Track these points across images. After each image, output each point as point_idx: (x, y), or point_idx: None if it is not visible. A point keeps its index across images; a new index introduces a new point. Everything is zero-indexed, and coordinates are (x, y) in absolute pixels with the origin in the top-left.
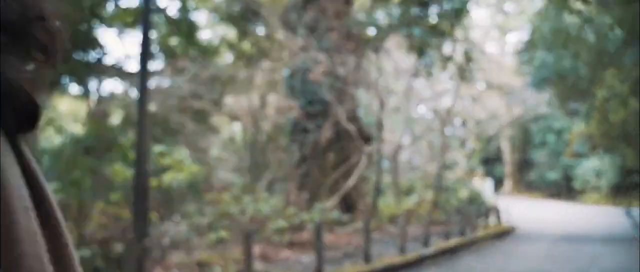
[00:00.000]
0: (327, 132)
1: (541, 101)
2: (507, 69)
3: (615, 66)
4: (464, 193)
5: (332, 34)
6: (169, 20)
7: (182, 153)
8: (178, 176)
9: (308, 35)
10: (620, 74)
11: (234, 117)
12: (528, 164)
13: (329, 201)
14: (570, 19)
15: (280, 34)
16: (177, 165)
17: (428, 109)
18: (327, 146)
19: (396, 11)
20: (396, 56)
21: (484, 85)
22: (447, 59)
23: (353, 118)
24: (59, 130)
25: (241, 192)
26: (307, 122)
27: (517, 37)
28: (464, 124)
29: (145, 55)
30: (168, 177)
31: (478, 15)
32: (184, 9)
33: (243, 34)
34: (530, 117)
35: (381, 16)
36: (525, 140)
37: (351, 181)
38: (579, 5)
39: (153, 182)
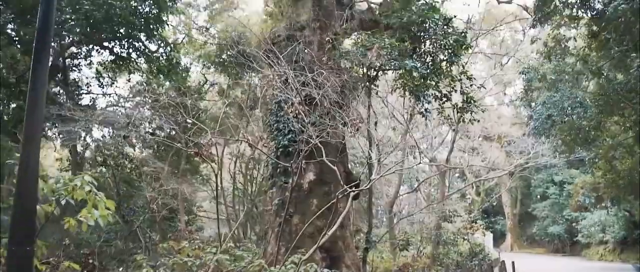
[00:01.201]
0: (310, 175)
1: (542, 151)
2: (506, 119)
3: (619, 113)
4: (464, 247)
5: (317, 68)
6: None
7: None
8: (95, 213)
9: (290, 68)
10: (624, 121)
11: (224, 166)
12: (530, 218)
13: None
14: (571, 60)
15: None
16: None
17: (426, 159)
18: (310, 190)
19: (389, 43)
20: (391, 99)
21: (482, 136)
22: (445, 99)
23: (340, 160)
24: None
25: (211, 244)
26: (291, 164)
27: (516, 89)
28: (463, 175)
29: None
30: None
31: (475, 68)
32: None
33: (234, 81)
34: (530, 168)
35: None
36: (526, 192)
37: (331, 230)
38: (580, 50)
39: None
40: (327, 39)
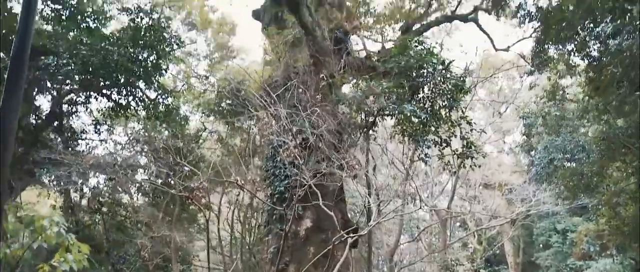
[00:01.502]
0: (306, 222)
1: (543, 199)
2: (506, 167)
3: (621, 159)
4: None
5: (314, 112)
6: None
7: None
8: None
9: (286, 112)
10: (626, 167)
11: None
12: (533, 267)
13: None
14: (571, 106)
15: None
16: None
17: (426, 208)
18: (306, 237)
19: (387, 87)
20: (390, 147)
21: (482, 183)
22: (445, 144)
23: (338, 207)
24: None
25: None
26: (284, 209)
27: (515, 137)
28: (464, 224)
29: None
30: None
31: (474, 116)
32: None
33: (233, 129)
34: (532, 216)
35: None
36: (528, 241)
37: None
38: (578, 95)
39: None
40: (324, 83)
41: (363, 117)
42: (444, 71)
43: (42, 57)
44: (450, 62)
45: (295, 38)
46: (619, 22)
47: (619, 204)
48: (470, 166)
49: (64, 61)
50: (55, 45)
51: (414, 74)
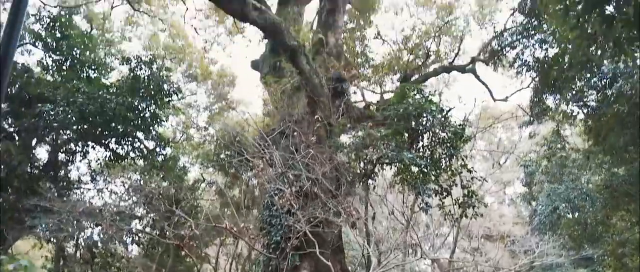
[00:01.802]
0: None
1: (547, 250)
2: (507, 218)
3: (624, 208)
4: None
5: (312, 160)
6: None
7: None
8: None
9: (283, 160)
10: (629, 216)
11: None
12: None
13: None
14: (572, 155)
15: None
16: None
17: (428, 260)
18: None
19: (385, 134)
20: (390, 198)
21: (484, 235)
22: (445, 193)
23: (337, 258)
24: None
25: None
26: (280, 260)
27: (515, 189)
28: None
29: None
30: None
31: (474, 167)
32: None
33: (231, 180)
34: (536, 268)
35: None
36: None
37: None
38: (579, 144)
39: None
40: (322, 130)
41: (362, 166)
42: (443, 119)
43: (39, 105)
44: (450, 109)
45: (293, 86)
46: (617, 65)
47: (625, 254)
48: (472, 216)
49: (61, 109)
50: (53, 93)
51: (413, 122)
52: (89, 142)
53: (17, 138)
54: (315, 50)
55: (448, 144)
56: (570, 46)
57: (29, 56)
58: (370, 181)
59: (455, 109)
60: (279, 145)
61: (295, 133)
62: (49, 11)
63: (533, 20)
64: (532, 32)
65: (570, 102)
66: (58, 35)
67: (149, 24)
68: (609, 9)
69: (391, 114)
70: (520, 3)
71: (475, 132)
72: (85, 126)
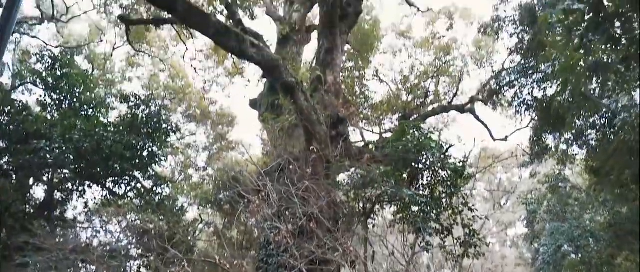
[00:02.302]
0: None
1: None
2: (509, 261)
3: (629, 248)
4: None
5: (308, 194)
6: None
7: None
8: None
9: (279, 197)
10: (634, 257)
11: None
12: None
13: None
14: (575, 194)
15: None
16: None
17: None
18: None
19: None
20: (391, 239)
21: None
22: (446, 232)
23: None
24: None
25: None
26: None
27: (517, 230)
28: None
29: None
30: None
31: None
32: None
33: (230, 221)
34: None
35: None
36: None
37: None
38: (580, 182)
39: None
40: (319, 168)
41: (361, 205)
42: (442, 156)
43: (35, 141)
44: (449, 146)
45: (291, 124)
46: (617, 102)
47: None
48: (474, 255)
49: (57, 145)
50: (50, 130)
51: (413, 160)
52: (86, 181)
53: (13, 176)
54: (314, 88)
55: (448, 183)
56: (571, 78)
57: (30, 95)
58: (369, 220)
59: (455, 148)
60: (276, 182)
61: (291, 167)
62: (50, 51)
63: (531, 60)
64: (530, 72)
65: (571, 142)
66: (58, 73)
67: (150, 64)
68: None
69: (390, 151)
70: (517, 43)
71: (476, 172)
72: (82, 164)
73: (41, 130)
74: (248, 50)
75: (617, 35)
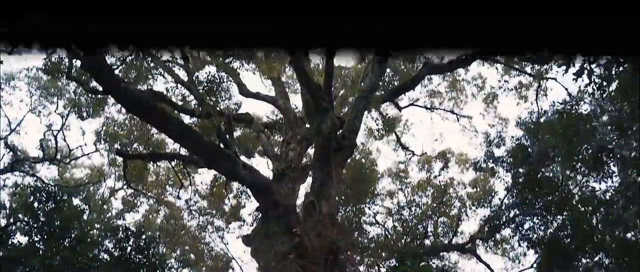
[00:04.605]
0: None
1: None
2: None
3: None
4: None
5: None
6: None
7: None
8: None
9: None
10: None
11: None
12: None
13: None
14: None
15: None
16: None
17: None
18: None
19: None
20: None
21: None
22: None
23: None
24: None
25: None
26: None
27: None
28: None
29: None
30: None
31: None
32: None
33: None
34: None
35: None
36: None
37: None
38: None
39: None
40: None
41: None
42: None
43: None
44: None
45: (284, 252)
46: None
47: None
48: None
49: None
50: (29, 257)
51: None
52: None
53: None
54: (307, 213)
55: None
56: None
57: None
58: None
59: None
60: None
61: None
62: (47, 186)
63: (527, 195)
64: (529, 208)
65: None
66: (51, 205)
67: (146, 204)
68: None
69: None
70: (512, 180)
71: None
72: None
73: (20, 257)
74: (240, 171)
75: None
